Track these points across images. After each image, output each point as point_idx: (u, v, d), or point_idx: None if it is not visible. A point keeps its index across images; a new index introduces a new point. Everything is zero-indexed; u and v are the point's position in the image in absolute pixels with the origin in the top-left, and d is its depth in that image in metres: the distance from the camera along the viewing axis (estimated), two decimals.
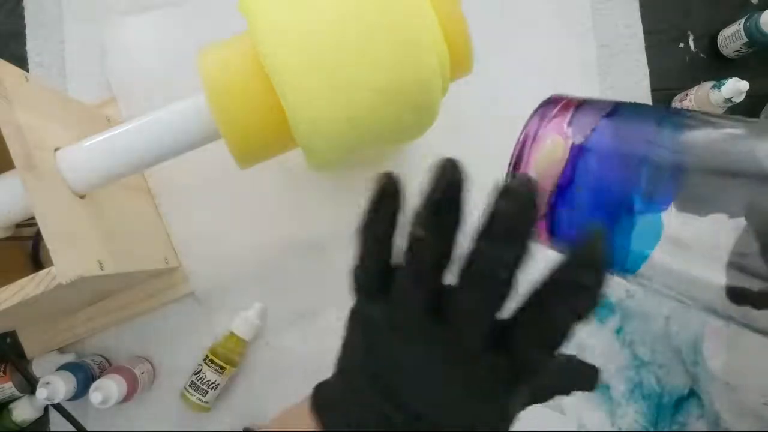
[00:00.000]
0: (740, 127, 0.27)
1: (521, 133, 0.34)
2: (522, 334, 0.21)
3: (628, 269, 0.30)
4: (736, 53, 0.56)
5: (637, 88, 0.57)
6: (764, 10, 0.51)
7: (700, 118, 0.30)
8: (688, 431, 0.53)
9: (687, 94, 0.55)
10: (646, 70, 0.57)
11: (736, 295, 0.24)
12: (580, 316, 0.20)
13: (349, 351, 0.26)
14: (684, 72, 0.58)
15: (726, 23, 0.57)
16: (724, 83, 0.50)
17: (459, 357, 0.22)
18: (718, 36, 0.57)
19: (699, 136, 0.29)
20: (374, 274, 0.23)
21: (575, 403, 0.53)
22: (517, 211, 0.19)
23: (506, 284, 0.20)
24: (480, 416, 0.22)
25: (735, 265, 0.25)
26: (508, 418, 0.23)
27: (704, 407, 0.52)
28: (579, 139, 0.31)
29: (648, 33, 0.58)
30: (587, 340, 0.52)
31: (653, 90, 0.58)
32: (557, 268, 0.20)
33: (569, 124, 0.32)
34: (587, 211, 0.31)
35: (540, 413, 0.53)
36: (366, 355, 0.24)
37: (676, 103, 0.56)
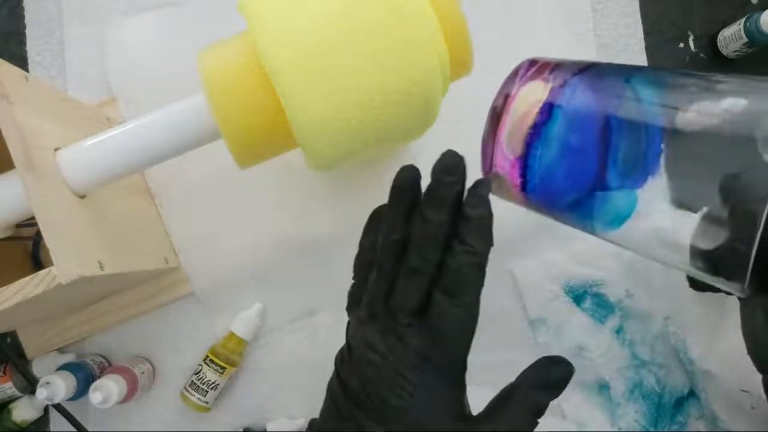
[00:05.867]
0: (725, 84, 0.26)
1: (500, 89, 0.36)
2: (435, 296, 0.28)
3: (600, 222, 0.29)
4: (736, 53, 0.56)
5: None
6: (764, 10, 0.51)
7: (682, 74, 0.29)
8: (687, 431, 0.53)
9: None
10: None
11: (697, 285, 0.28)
12: (476, 252, 0.27)
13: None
14: None
15: (726, 23, 0.57)
16: None
17: (392, 337, 0.28)
18: (718, 36, 0.57)
19: (681, 93, 0.28)
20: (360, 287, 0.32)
21: (575, 403, 0.53)
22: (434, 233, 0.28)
23: (430, 275, 0.28)
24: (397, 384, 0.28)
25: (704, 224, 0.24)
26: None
27: (703, 407, 0.52)
28: (559, 83, 0.32)
29: (648, 33, 0.58)
30: (587, 340, 0.52)
31: None
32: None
33: (551, 72, 0.34)
34: (559, 150, 0.30)
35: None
36: (341, 365, 0.31)
37: None
